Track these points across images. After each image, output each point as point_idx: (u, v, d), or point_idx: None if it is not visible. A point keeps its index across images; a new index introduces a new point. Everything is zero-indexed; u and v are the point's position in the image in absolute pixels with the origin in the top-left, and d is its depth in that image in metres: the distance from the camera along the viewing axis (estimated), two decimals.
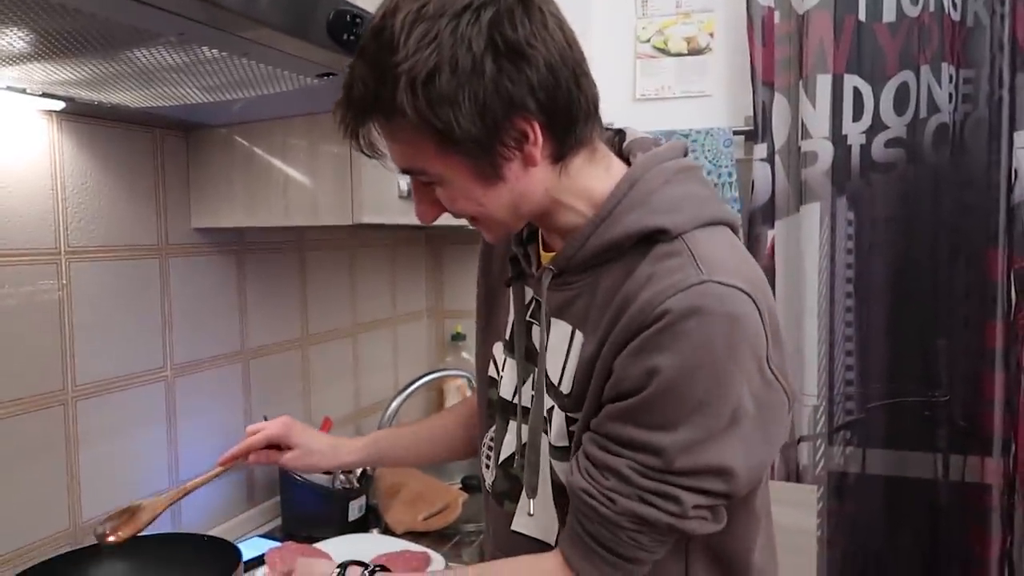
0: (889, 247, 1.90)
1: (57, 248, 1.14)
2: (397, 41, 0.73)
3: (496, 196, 0.81)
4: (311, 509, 1.49)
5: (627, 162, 0.88)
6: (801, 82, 1.87)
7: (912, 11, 1.80)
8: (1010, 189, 1.75)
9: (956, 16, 1.77)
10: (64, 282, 1.15)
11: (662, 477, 0.77)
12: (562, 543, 0.85)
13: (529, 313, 0.93)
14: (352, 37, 0.91)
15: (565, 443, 0.86)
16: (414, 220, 1.44)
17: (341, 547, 1.34)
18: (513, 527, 0.95)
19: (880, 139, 1.87)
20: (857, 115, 1.86)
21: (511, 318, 0.97)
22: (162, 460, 1.33)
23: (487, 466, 1.02)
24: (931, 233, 1.86)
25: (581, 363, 0.84)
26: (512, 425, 0.96)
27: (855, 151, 1.87)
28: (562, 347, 0.87)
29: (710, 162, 1.99)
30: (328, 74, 0.99)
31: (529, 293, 0.93)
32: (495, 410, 1.00)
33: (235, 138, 1.33)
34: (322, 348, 1.76)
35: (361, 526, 1.52)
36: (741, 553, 0.89)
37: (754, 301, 0.77)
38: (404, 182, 1.38)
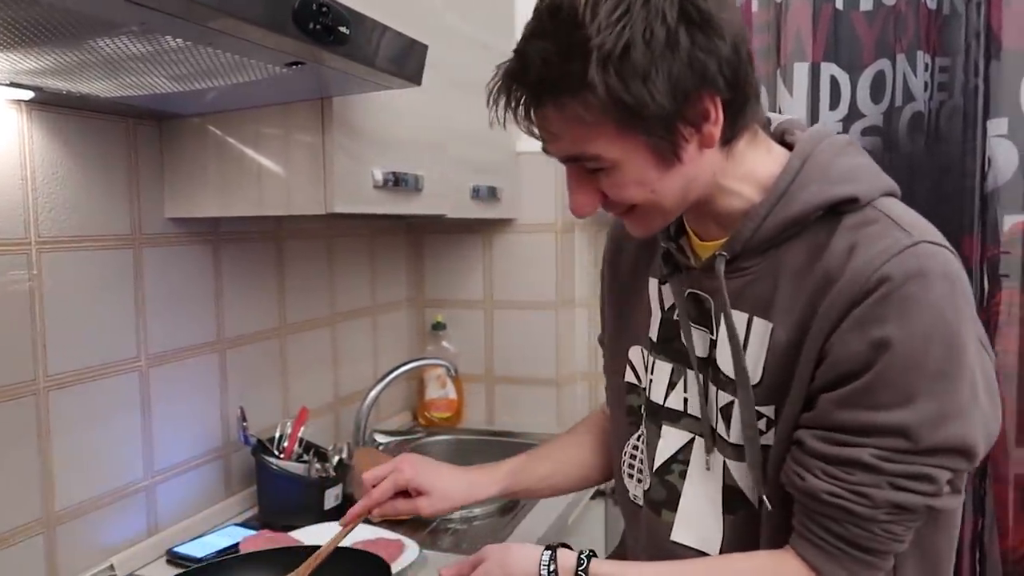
0: None
1: (27, 238, 1.14)
2: (583, 17, 0.71)
3: (670, 181, 0.78)
4: (288, 498, 1.49)
5: (783, 144, 0.85)
6: (779, 70, 1.87)
7: (889, 0, 1.81)
8: (983, 177, 1.76)
9: (932, 5, 1.78)
10: (35, 272, 1.15)
11: (910, 459, 0.73)
12: (800, 548, 0.80)
13: (684, 312, 0.90)
14: (318, 26, 0.90)
15: (741, 442, 0.83)
16: (388, 210, 1.45)
17: (317, 535, 1.34)
18: (673, 538, 0.91)
19: (856, 127, 1.88)
20: (834, 103, 1.87)
21: (656, 317, 0.94)
22: (137, 450, 1.33)
23: (631, 475, 0.98)
24: None
25: (774, 351, 0.80)
26: (668, 430, 0.92)
27: None
28: (739, 333, 0.83)
29: None
30: (297, 63, 0.99)
31: (679, 284, 0.89)
32: (638, 416, 0.96)
33: (208, 127, 1.32)
34: (300, 337, 1.76)
35: (337, 514, 1.52)
36: (946, 548, 0.85)
37: (958, 259, 0.75)
38: (379, 172, 1.38)
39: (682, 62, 0.71)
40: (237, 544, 1.33)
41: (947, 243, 0.76)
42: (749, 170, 0.82)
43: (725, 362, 0.84)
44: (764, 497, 0.82)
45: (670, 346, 0.92)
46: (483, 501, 1.08)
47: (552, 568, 0.86)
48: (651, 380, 0.94)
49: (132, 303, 1.32)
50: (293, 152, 1.28)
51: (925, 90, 1.81)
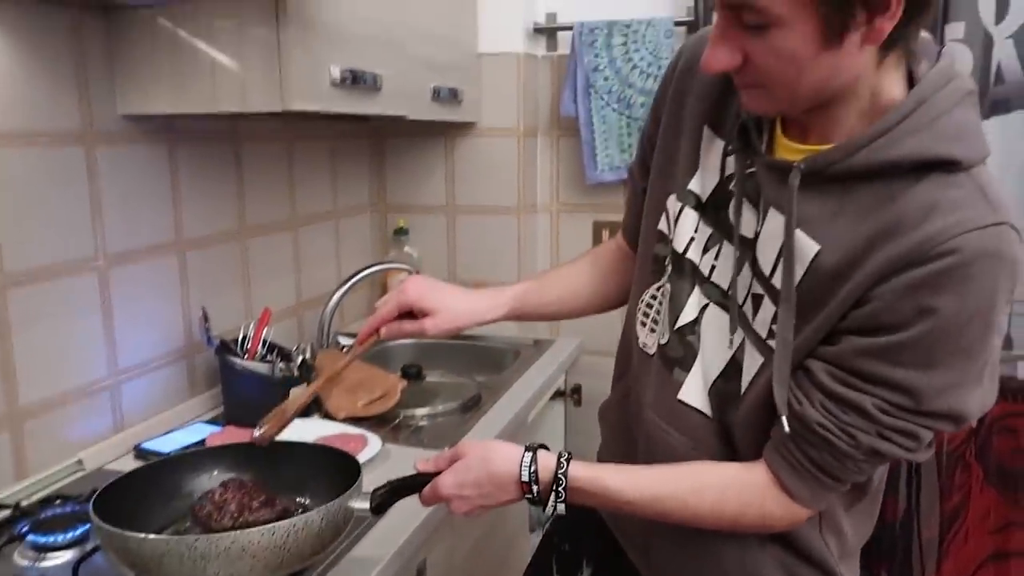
0: None
1: None
2: None
3: (819, 64, 0.73)
4: (252, 396, 1.51)
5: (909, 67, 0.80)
6: None
7: None
8: None
9: None
10: None
11: (907, 417, 0.76)
12: (772, 460, 0.83)
13: (733, 183, 0.86)
14: None
15: (764, 334, 0.83)
16: (347, 109, 1.43)
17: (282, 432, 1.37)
18: (680, 397, 0.91)
19: None
20: None
21: (703, 174, 0.90)
22: (100, 348, 1.34)
23: (643, 323, 0.97)
24: None
25: (814, 273, 0.78)
26: (697, 290, 0.91)
27: None
28: (775, 243, 0.82)
29: (651, 54, 1.97)
30: None
31: (743, 165, 0.86)
32: (663, 266, 0.94)
33: (158, 20, 1.28)
34: (262, 241, 1.76)
35: (303, 412, 1.56)
36: (876, 476, 0.91)
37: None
38: (337, 69, 1.35)
39: None
40: (204, 440, 1.36)
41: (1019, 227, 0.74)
42: (879, 87, 0.78)
43: (766, 259, 0.83)
44: (784, 417, 0.81)
45: (717, 214, 0.89)
46: (488, 322, 1.07)
47: (533, 469, 0.88)
48: (692, 238, 0.92)
49: (87, 202, 1.30)
50: (247, 46, 1.25)
51: None
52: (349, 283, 1.89)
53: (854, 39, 0.72)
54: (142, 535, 0.81)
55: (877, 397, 0.76)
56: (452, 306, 1.03)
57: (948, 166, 0.74)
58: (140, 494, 0.96)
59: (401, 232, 2.19)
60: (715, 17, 0.77)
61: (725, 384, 0.88)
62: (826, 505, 0.85)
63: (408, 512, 1.14)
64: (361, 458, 1.29)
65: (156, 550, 0.80)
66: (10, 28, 1.15)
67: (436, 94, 1.80)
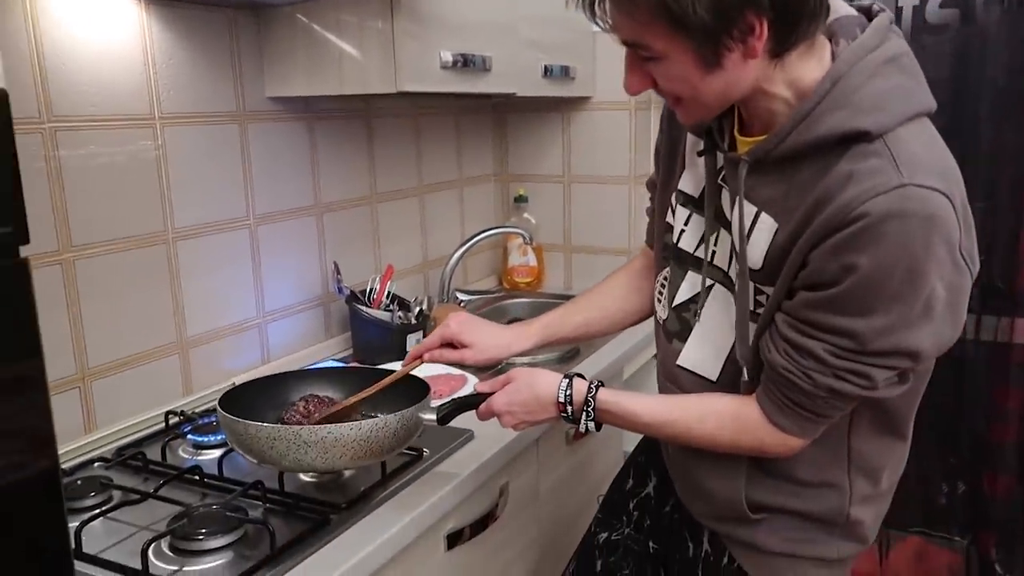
0: (936, 111, 1.92)
1: (152, 115, 1.39)
2: None
3: (710, 82, 0.84)
4: (376, 340, 1.75)
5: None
6: None
7: None
8: None
9: None
10: (160, 143, 1.40)
11: (856, 358, 0.85)
12: (761, 400, 0.94)
13: (720, 178, 0.99)
14: None
15: (751, 307, 0.95)
16: (455, 88, 1.62)
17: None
18: (678, 363, 1.07)
19: (935, 0, 1.86)
20: None
21: (689, 174, 1.04)
22: (250, 293, 1.61)
23: (659, 300, 1.13)
24: (979, 95, 1.87)
25: (774, 247, 0.89)
26: (691, 275, 1.05)
27: (907, 13, 1.88)
28: (746, 225, 0.92)
29: None
30: None
31: (719, 160, 0.98)
32: (670, 254, 1.09)
33: (297, 16, 1.52)
34: (390, 206, 1.99)
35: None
36: (904, 409, 1.00)
37: (949, 199, 0.80)
38: (448, 54, 1.54)
39: None
40: (329, 367, 1.61)
41: (941, 182, 0.80)
42: (796, 77, 0.86)
43: (736, 241, 0.94)
44: (744, 365, 0.96)
45: (712, 207, 1.02)
46: (520, 353, 1.22)
47: (568, 392, 1.05)
48: (682, 231, 1.06)
49: (240, 170, 1.56)
50: (367, 37, 1.46)
51: None
52: (468, 244, 2.09)
53: (734, 59, 0.82)
54: (258, 423, 1.04)
55: (826, 343, 0.86)
56: (484, 341, 1.17)
57: (863, 137, 0.82)
58: (257, 399, 1.18)
59: (521, 200, 2.37)
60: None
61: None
62: (817, 435, 0.95)
63: (490, 440, 1.33)
64: (459, 393, 1.49)
65: (269, 436, 1.02)
66: (181, 28, 1.42)
67: (547, 71, 1.95)
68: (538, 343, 1.24)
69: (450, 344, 1.18)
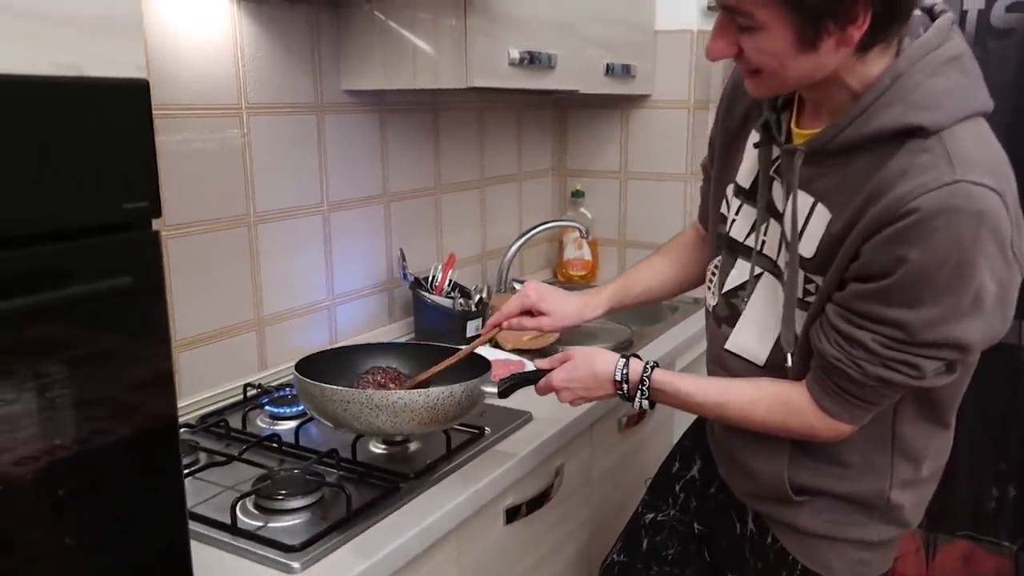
0: (999, 114, 1.92)
1: (239, 104, 1.47)
2: None
3: (800, 62, 0.87)
4: (437, 325, 1.82)
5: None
6: None
7: None
8: None
9: None
10: (245, 131, 1.49)
11: (905, 348, 0.89)
12: (811, 387, 0.98)
13: (773, 169, 1.02)
14: None
15: (801, 295, 0.99)
16: (522, 85, 1.68)
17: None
18: (726, 347, 1.12)
19: (1001, 4, 1.87)
20: None
21: (745, 166, 1.09)
22: (320, 274, 1.70)
23: (709, 288, 1.18)
24: None
25: (827, 237, 0.93)
26: (740, 263, 1.09)
27: (971, 16, 1.88)
28: (801, 216, 0.96)
29: None
30: None
31: (774, 152, 1.02)
32: (722, 244, 1.13)
33: (374, 13, 1.59)
34: (454, 197, 2.06)
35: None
36: (948, 398, 1.03)
37: (1001, 196, 0.83)
38: (516, 51, 1.60)
39: None
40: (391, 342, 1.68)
41: (992, 180, 0.82)
42: (868, 72, 0.89)
43: (789, 231, 0.98)
44: (789, 354, 1.00)
45: (763, 198, 1.06)
46: (590, 320, 1.29)
47: (624, 372, 1.11)
48: (733, 220, 1.11)
49: (316, 159, 1.65)
50: (440, 34, 1.53)
51: None
52: (526, 236, 2.16)
53: (829, 44, 0.85)
54: (334, 386, 1.12)
55: (876, 333, 0.90)
56: (561, 308, 1.25)
57: (919, 132, 0.85)
58: (328, 369, 1.26)
59: (578, 194, 2.42)
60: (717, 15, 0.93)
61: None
62: (866, 420, 0.99)
63: (548, 422, 1.39)
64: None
65: (343, 399, 1.10)
66: (265, 23, 1.50)
67: (609, 70, 2.00)
68: (607, 310, 1.30)
69: (528, 312, 1.25)
